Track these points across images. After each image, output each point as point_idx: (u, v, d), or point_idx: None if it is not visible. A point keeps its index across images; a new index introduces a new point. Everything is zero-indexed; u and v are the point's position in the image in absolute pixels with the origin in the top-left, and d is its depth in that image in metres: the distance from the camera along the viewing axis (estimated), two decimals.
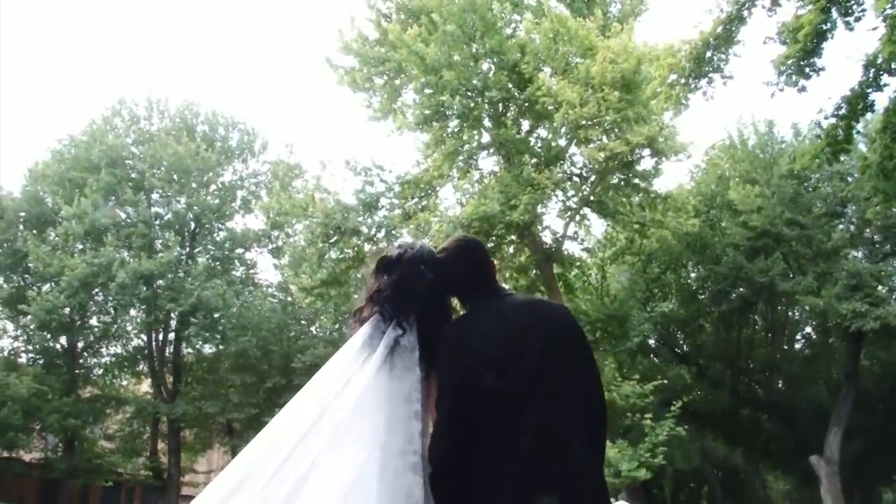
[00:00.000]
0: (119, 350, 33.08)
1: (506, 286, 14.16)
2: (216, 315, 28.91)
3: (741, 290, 23.89)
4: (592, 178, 20.73)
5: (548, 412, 2.23)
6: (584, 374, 2.37)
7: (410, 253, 2.55)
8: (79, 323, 30.60)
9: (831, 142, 12.78)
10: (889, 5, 11.55)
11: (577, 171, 21.21)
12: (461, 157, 20.82)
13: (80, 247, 29.13)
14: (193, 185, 30.95)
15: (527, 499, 2.18)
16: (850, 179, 21.70)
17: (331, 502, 2.11)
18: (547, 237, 22.00)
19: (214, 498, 2.17)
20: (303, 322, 31.62)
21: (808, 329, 30.06)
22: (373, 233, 21.35)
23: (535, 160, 19.98)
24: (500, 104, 20.15)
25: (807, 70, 12.50)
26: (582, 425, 2.29)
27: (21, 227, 30.69)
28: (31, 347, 31.34)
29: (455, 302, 2.63)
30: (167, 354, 32.08)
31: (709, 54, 13.27)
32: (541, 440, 2.20)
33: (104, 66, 79.48)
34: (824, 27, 12.22)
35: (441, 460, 2.25)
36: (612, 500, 17.88)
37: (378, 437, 2.23)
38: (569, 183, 20.96)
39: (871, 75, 12.52)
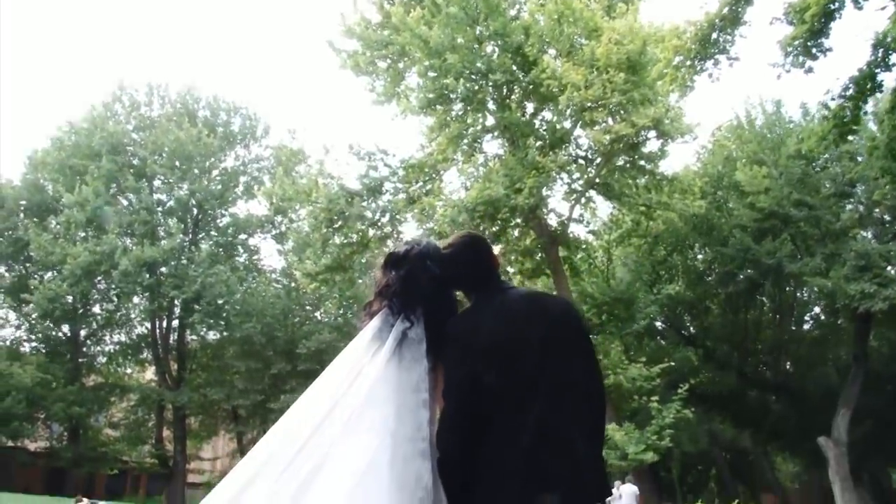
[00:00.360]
0: (123, 338, 33.41)
1: (510, 269, 14.21)
2: (220, 302, 29.13)
3: (748, 271, 23.96)
4: (598, 160, 20.78)
5: (549, 408, 2.33)
6: (586, 366, 2.48)
7: (417, 249, 2.68)
8: (82, 311, 30.86)
9: (838, 123, 12.81)
10: None
11: (583, 154, 21.28)
12: (465, 141, 20.89)
13: (82, 235, 29.33)
14: (195, 171, 31.08)
15: (529, 497, 2.29)
16: (859, 159, 21.66)
17: (344, 488, 2.24)
18: (552, 220, 22.08)
19: (230, 490, 2.29)
20: (307, 308, 31.84)
21: (817, 310, 30.14)
22: (377, 217, 21.46)
23: (539, 143, 20.03)
24: (505, 87, 20.19)
25: (814, 51, 12.52)
26: (583, 420, 2.39)
27: (21, 215, 30.89)
28: (33, 336, 31.64)
29: (460, 295, 2.76)
30: (171, 342, 32.34)
31: (714, 35, 13.30)
32: (542, 437, 2.30)
33: (104, 52, 79.38)
34: (832, 6, 12.22)
35: (448, 456, 2.37)
36: (619, 483, 18.11)
37: (388, 425, 2.36)
38: (574, 165, 21.00)
39: (879, 55, 12.53)
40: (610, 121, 19.16)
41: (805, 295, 28.54)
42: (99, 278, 29.69)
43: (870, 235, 23.25)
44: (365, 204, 21.12)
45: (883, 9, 11.98)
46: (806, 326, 30.91)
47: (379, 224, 21.56)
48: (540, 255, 22.39)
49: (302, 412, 2.43)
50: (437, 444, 2.42)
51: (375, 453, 2.30)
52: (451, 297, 2.70)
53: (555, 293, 20.76)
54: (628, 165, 20.87)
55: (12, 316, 31.37)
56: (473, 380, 2.39)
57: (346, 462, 2.28)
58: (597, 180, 20.96)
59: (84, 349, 32.25)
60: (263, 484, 2.27)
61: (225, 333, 30.53)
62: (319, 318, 31.62)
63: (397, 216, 21.27)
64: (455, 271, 2.64)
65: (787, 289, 27.68)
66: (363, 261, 24.00)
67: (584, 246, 24.61)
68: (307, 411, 2.42)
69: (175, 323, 32.12)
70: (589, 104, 18.48)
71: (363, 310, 2.72)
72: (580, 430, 2.37)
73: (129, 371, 34.27)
